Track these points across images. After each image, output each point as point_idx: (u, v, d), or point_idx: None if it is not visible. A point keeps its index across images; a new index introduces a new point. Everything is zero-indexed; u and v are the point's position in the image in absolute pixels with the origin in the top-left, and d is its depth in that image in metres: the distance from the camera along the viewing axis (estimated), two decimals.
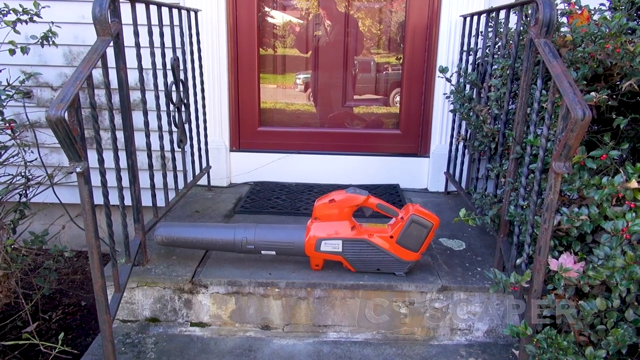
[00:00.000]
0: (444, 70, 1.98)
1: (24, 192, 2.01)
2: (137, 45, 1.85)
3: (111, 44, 1.64)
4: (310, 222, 1.86)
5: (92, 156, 1.45)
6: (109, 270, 1.78)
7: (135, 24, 1.83)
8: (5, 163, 2.13)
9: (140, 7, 1.88)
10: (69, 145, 1.36)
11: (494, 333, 1.89)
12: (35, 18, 2.09)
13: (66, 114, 1.30)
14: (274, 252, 1.86)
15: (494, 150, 2.05)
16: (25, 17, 2.06)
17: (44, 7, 2.11)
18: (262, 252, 1.87)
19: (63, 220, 2.71)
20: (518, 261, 1.67)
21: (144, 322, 1.92)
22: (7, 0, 2.25)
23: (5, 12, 2.06)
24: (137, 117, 1.90)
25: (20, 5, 2.10)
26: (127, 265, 1.78)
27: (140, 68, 1.88)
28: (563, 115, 1.40)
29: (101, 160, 1.57)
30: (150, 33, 1.95)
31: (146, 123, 1.93)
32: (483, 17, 2.29)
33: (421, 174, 2.95)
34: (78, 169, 1.39)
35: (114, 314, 1.62)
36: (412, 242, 1.80)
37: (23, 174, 2.08)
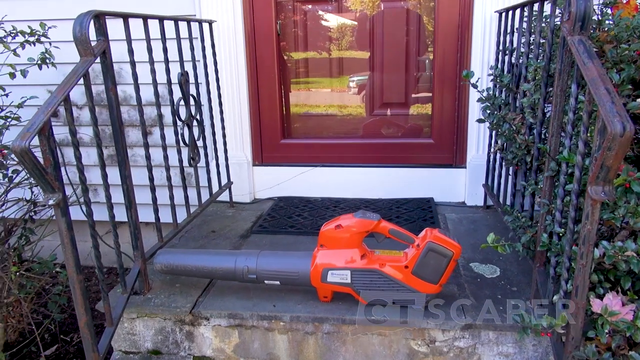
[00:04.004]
0: (467, 75, 1.75)
1: (29, 217, 1.98)
2: (132, 64, 1.76)
3: (98, 61, 1.56)
4: (317, 249, 1.68)
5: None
6: (113, 299, 1.70)
7: (128, 41, 1.73)
8: (19, 185, 2.11)
9: (138, 22, 1.80)
10: (38, 176, 1.27)
11: None
12: (42, 39, 2.06)
13: (29, 143, 1.21)
14: (277, 282, 1.71)
15: (529, 164, 1.78)
16: (32, 38, 2.04)
17: (50, 28, 2.07)
18: (266, 282, 1.71)
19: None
20: (555, 298, 1.41)
21: (146, 354, 1.82)
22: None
23: (14, 34, 2.04)
24: (137, 136, 1.83)
25: (29, 27, 2.08)
26: (123, 297, 1.69)
27: (136, 87, 1.79)
28: (599, 130, 1.15)
29: (85, 190, 1.48)
30: (150, 50, 1.86)
31: (145, 145, 1.84)
32: (518, 12, 2.02)
33: (457, 186, 2.70)
34: (51, 202, 1.30)
35: (104, 350, 1.53)
36: (429, 273, 1.59)
37: (29, 198, 2.05)
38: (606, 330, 1.25)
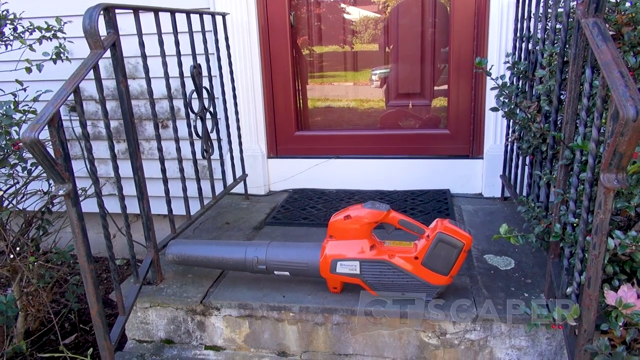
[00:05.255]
0: (480, 63, 1.71)
1: (47, 208, 2.02)
2: (143, 56, 1.77)
3: (109, 55, 1.58)
4: (326, 240, 1.67)
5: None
6: (126, 289, 1.73)
7: (139, 34, 1.75)
8: (38, 178, 2.16)
9: (151, 16, 1.81)
10: (48, 167, 1.29)
11: None
12: (58, 34, 2.09)
13: (39, 134, 1.23)
14: (287, 273, 1.71)
15: (545, 153, 1.73)
16: (49, 34, 2.07)
17: (66, 23, 2.11)
18: (275, 272, 1.72)
19: (95, 230, 2.74)
20: (568, 290, 1.38)
21: (159, 343, 1.84)
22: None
23: (31, 29, 2.08)
24: (152, 129, 1.85)
25: (46, 22, 2.12)
26: (136, 286, 1.71)
27: (148, 80, 1.80)
28: (612, 115, 1.10)
29: (96, 181, 1.50)
30: (161, 42, 1.86)
31: (157, 137, 1.86)
32: None
33: (474, 177, 2.65)
34: (61, 192, 1.32)
35: (116, 338, 1.55)
36: (440, 264, 1.56)
37: (46, 190, 2.10)
38: (620, 323, 1.21)
